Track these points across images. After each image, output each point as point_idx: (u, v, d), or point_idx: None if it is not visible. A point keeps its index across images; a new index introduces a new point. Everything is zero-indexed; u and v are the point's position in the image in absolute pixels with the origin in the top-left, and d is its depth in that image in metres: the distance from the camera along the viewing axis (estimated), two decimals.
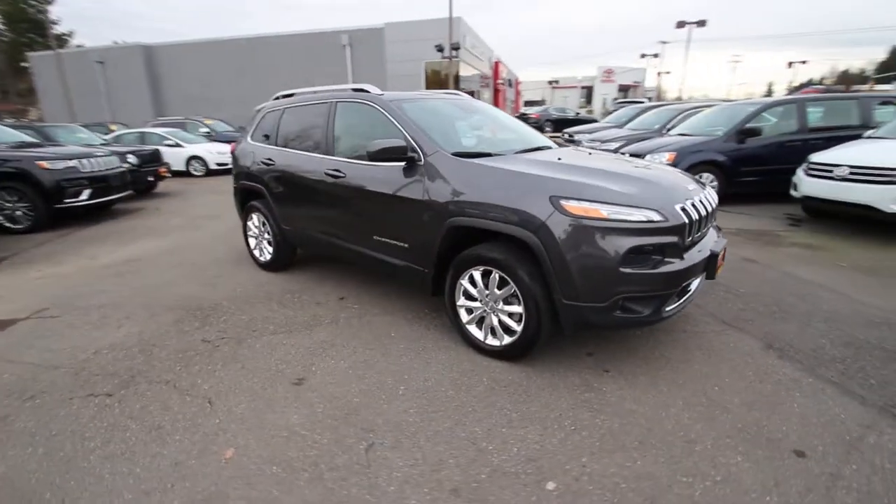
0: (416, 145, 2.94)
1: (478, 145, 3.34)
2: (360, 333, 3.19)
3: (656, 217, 2.30)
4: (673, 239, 2.34)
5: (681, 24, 25.75)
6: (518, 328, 2.60)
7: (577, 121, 21.86)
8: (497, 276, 2.62)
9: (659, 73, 45.82)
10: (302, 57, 22.33)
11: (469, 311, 2.86)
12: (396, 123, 3.11)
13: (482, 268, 2.68)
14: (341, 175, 3.37)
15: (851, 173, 5.15)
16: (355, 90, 3.62)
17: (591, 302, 2.34)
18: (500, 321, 2.70)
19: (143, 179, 8.81)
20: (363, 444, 2.11)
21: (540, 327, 2.50)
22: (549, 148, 3.46)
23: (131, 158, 8.48)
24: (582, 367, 2.68)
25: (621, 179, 2.53)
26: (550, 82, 51.46)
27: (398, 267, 3.17)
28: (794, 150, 6.68)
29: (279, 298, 3.86)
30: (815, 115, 7.06)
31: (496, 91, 28.03)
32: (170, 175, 9.96)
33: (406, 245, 3.06)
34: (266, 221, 4.29)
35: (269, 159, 4.09)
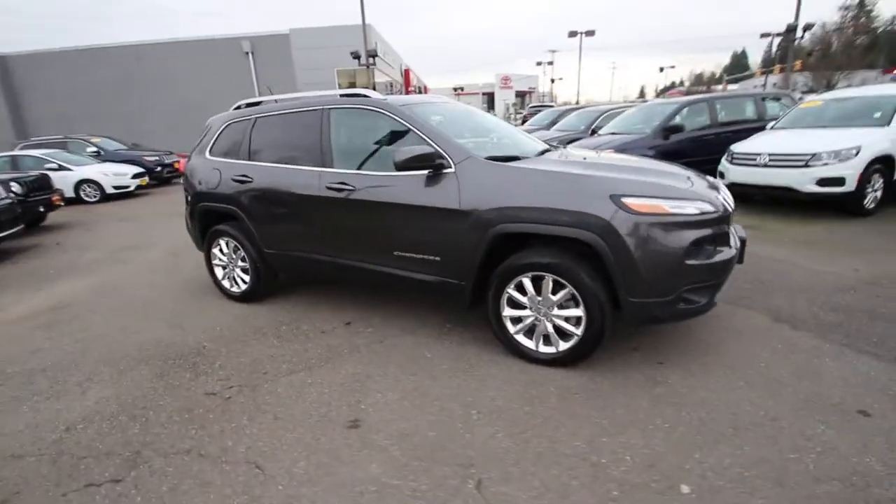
0: (442, 152, 2.76)
1: (494, 149, 3.23)
2: (391, 359, 2.91)
3: (709, 208, 2.39)
4: (723, 228, 2.45)
5: (573, 34, 28.08)
6: (578, 331, 2.55)
7: None
8: (551, 280, 2.54)
9: (552, 80, 49.24)
10: (199, 65, 20.34)
11: (516, 320, 2.74)
12: (417, 130, 2.90)
13: (531, 274, 2.58)
14: (349, 188, 3.06)
15: (771, 160, 5.91)
16: (349, 95, 3.32)
17: (658, 297, 2.36)
18: (555, 327, 2.62)
19: (32, 211, 7.35)
20: (470, 482, 1.90)
21: (604, 328, 2.47)
22: (553, 149, 3.47)
23: (15, 187, 7.02)
24: (636, 363, 2.70)
25: (663, 175, 2.60)
26: (455, 89, 52.83)
27: (427, 283, 2.95)
28: (710, 143, 7.53)
29: (274, 332, 3.40)
30: (722, 112, 8.03)
31: None
32: (63, 203, 8.44)
33: (437, 258, 2.85)
34: (240, 247, 3.77)
35: (244, 176, 3.60)
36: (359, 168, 3.12)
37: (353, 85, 20.64)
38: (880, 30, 48.81)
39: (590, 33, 27.73)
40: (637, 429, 2.15)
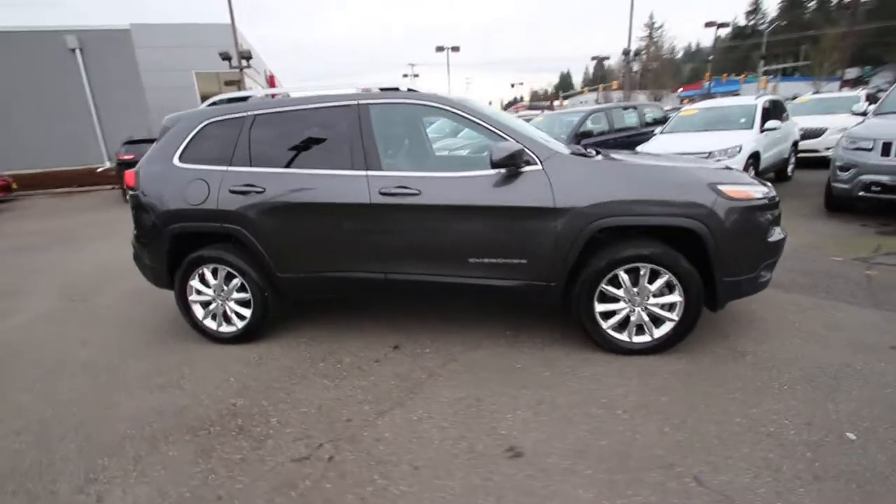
0: (526, 148, 2.63)
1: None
2: (484, 377, 2.65)
3: (772, 193, 2.72)
4: (778, 210, 2.81)
5: (440, 49, 29.38)
6: (674, 316, 2.65)
7: None
8: (648, 270, 2.60)
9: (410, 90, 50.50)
10: (7, 64, 15.89)
11: (606, 315, 2.74)
12: (490, 126, 2.72)
13: (626, 266, 2.62)
14: (413, 192, 2.71)
15: None
16: (387, 89, 2.96)
17: (747, 274, 2.59)
18: (649, 315, 2.69)
19: None
20: (687, 479, 1.82)
21: (699, 310, 2.62)
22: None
23: None
24: (708, 341, 2.91)
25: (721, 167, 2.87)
26: None
27: (509, 289, 2.77)
28: (610, 146, 8.61)
29: (314, 371, 2.84)
30: (616, 119, 9.23)
31: None
32: None
33: (524, 261, 2.70)
34: (237, 274, 3.05)
35: (251, 186, 2.92)
36: (416, 169, 2.79)
37: (215, 90, 18.39)
38: (665, 56, 61.47)
39: (455, 49, 29.43)
40: (766, 395, 2.32)
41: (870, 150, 5.09)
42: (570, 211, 2.57)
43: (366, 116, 2.86)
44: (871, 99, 10.11)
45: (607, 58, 56.51)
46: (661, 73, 55.87)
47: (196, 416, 2.45)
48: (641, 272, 2.61)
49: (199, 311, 3.24)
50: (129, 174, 3.26)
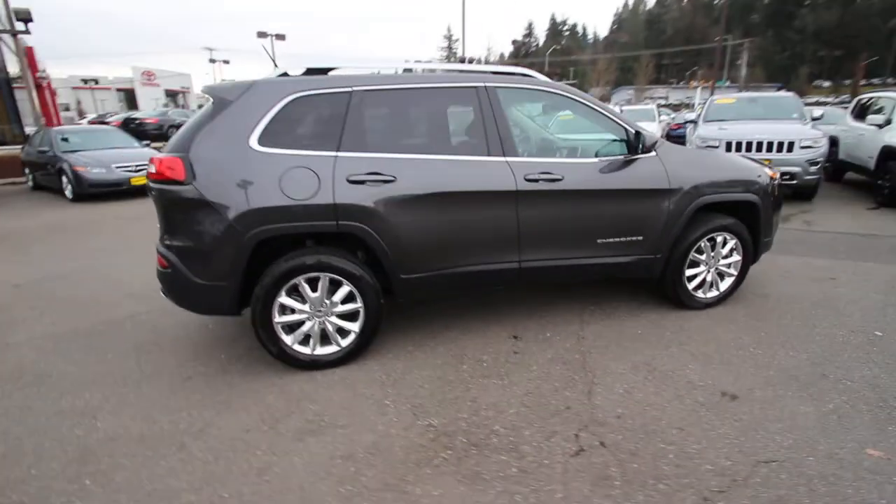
0: (637, 134, 2.94)
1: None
2: (630, 345, 2.88)
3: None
4: None
5: (262, 34, 26.48)
6: (734, 272, 3.35)
7: None
8: (724, 238, 3.23)
9: (223, 80, 44.57)
10: None
11: (691, 278, 3.29)
12: (608, 114, 2.93)
13: (710, 235, 3.20)
14: (557, 178, 2.73)
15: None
16: (507, 73, 2.88)
17: (770, 237, 3.46)
18: (718, 274, 3.34)
19: None
20: None
21: (749, 266, 3.39)
22: None
23: None
24: (747, 298, 3.73)
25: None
26: (86, 81, 40.09)
27: (624, 264, 3.05)
28: None
29: (471, 373, 2.64)
30: None
31: (39, 89, 19.80)
32: None
33: (641, 237, 3.02)
34: (349, 281, 2.55)
35: (377, 174, 2.46)
36: (545, 155, 2.82)
37: None
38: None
39: (280, 37, 26.94)
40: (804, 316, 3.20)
41: (716, 147, 7.00)
42: (680, 191, 3.00)
43: (495, 100, 2.73)
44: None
45: (419, 61, 59.91)
46: None
47: (404, 448, 2.05)
48: (718, 240, 3.23)
49: (286, 337, 2.57)
50: (165, 160, 2.35)
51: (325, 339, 2.66)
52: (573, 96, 2.95)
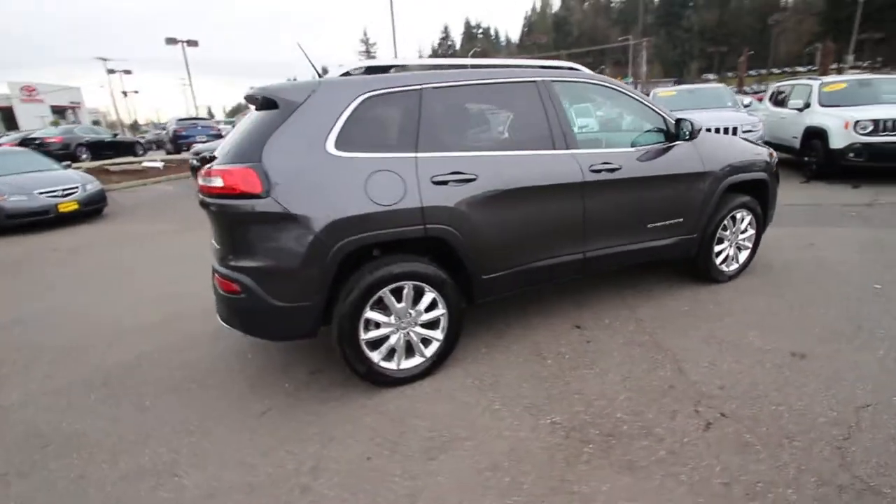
0: (678, 122, 3.11)
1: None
2: (689, 322, 3.04)
3: None
4: None
5: (171, 41, 24.17)
6: (749, 244, 3.66)
7: (118, 143, 17.26)
8: (741, 215, 3.52)
9: (125, 93, 40.48)
10: None
11: (717, 254, 3.54)
12: (649, 105, 3.05)
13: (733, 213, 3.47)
14: (616, 168, 2.81)
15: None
16: (556, 68, 2.90)
17: (773, 209, 3.82)
18: (738, 248, 3.63)
19: None
20: None
21: (761, 237, 3.72)
22: None
23: None
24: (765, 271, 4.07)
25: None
26: None
27: (667, 246, 3.22)
28: None
29: (558, 367, 2.63)
30: None
31: None
32: None
33: (681, 219, 3.20)
34: (433, 288, 2.43)
35: (459, 174, 2.36)
36: (599, 146, 2.89)
37: None
38: None
39: (192, 43, 24.74)
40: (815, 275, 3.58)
41: None
42: (712, 174, 3.23)
43: (554, 94, 2.75)
44: None
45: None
46: None
47: (545, 449, 2.00)
48: (738, 216, 3.51)
49: (376, 357, 2.40)
50: (236, 172, 2.08)
51: (408, 351, 2.52)
52: (620, 88, 3.06)
